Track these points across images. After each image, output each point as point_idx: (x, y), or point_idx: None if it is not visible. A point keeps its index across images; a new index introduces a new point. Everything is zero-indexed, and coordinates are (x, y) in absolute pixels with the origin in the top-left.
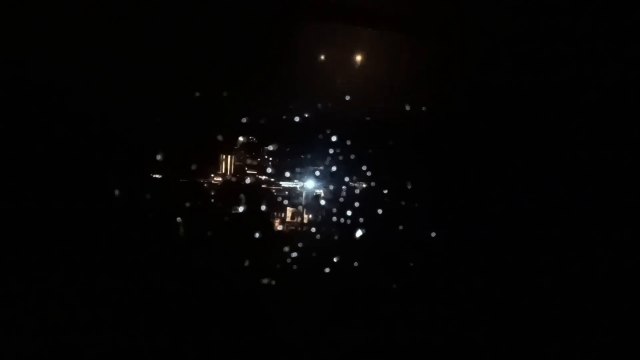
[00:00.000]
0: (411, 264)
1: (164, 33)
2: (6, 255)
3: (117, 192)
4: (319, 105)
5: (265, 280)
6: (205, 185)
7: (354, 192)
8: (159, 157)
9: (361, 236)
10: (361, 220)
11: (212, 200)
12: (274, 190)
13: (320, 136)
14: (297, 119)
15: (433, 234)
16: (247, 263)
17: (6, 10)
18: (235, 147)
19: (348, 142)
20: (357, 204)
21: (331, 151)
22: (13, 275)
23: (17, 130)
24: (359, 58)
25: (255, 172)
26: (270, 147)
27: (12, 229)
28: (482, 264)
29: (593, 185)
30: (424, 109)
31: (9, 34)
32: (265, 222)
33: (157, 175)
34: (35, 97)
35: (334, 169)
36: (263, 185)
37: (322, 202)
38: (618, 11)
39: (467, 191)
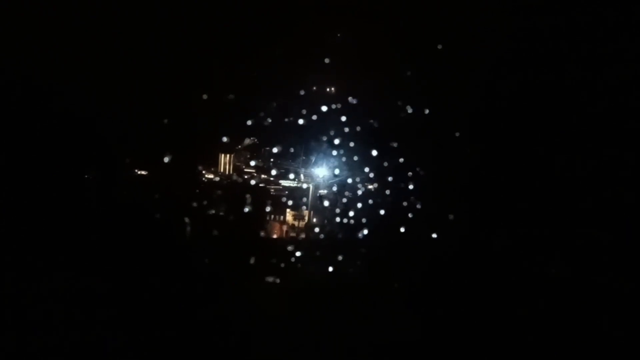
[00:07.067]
0: (413, 264)
1: (171, 37)
2: (8, 255)
3: (121, 192)
4: (324, 107)
5: (269, 279)
6: (210, 185)
7: (357, 193)
8: (166, 159)
9: (364, 236)
10: (364, 220)
11: (217, 200)
12: (278, 191)
13: (324, 138)
14: (301, 121)
15: (434, 235)
16: (252, 261)
17: (8, 11)
18: (240, 149)
19: (352, 144)
20: (360, 205)
21: (335, 153)
22: (15, 274)
23: (24, 133)
24: (362, 61)
25: (260, 173)
26: (275, 149)
27: (15, 229)
28: (484, 264)
29: (593, 186)
30: (427, 111)
31: (13, 35)
32: (269, 221)
33: (163, 176)
34: (40, 101)
35: (337, 171)
36: (268, 186)
37: (326, 203)
38: (618, 11)
39: (469, 192)
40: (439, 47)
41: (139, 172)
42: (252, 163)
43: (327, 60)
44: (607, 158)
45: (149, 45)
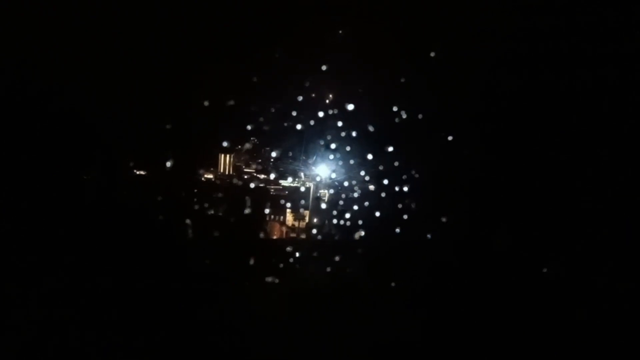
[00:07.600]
0: (413, 265)
1: (172, 38)
2: (8, 255)
3: (121, 192)
4: (321, 113)
5: (269, 279)
6: (210, 186)
7: (354, 195)
8: (168, 163)
9: (364, 237)
10: (360, 222)
11: (217, 201)
12: (278, 192)
13: (322, 142)
14: (299, 126)
15: (434, 236)
16: (252, 261)
17: (8, 11)
18: (240, 150)
19: (352, 145)
20: (360, 206)
21: (335, 153)
22: (15, 274)
23: (24, 133)
24: (362, 62)
25: (259, 176)
26: (274, 153)
27: (16, 229)
28: (483, 264)
29: (593, 185)
30: (420, 116)
31: (13, 35)
32: (269, 222)
33: (163, 177)
34: (40, 101)
35: (334, 174)
36: (268, 186)
37: (324, 205)
38: (618, 11)
39: (468, 193)
40: (432, 55)
41: (139, 173)
42: (252, 164)
43: (324, 68)
44: (607, 158)
45: (149, 47)
